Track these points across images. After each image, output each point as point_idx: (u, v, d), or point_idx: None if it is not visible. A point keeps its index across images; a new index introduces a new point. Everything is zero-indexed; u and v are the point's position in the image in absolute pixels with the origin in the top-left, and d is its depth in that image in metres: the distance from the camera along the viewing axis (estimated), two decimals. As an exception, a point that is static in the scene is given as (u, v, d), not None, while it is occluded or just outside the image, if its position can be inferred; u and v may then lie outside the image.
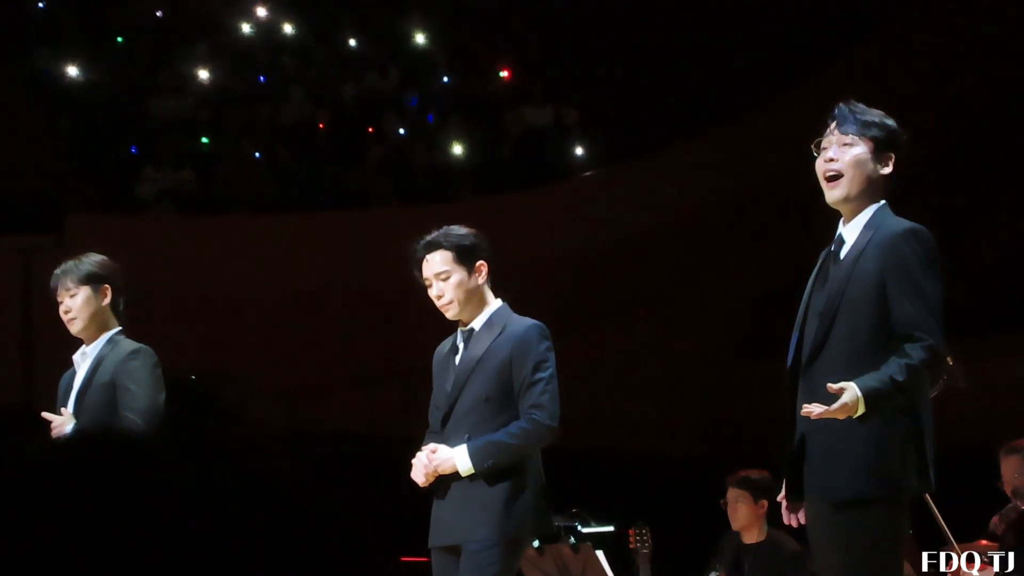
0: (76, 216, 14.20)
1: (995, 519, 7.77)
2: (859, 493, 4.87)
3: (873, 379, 4.81)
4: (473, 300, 5.91)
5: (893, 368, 4.83)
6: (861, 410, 4.79)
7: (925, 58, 17.26)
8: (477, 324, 5.92)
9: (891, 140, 5.13)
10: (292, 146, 17.26)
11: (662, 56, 17.97)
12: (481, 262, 5.92)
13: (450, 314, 5.93)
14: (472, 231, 6.02)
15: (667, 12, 18.14)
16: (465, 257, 5.91)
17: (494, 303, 5.96)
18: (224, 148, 17.23)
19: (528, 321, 5.91)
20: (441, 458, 5.75)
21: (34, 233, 13.82)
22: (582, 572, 7.92)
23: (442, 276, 5.89)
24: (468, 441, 5.75)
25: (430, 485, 5.82)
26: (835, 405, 4.78)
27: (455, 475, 5.75)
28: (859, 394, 4.78)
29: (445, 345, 6.05)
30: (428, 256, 5.94)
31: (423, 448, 5.84)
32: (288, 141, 17.32)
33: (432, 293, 5.94)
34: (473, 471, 5.71)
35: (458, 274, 5.89)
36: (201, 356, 13.83)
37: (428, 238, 5.98)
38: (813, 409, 4.80)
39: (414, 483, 5.82)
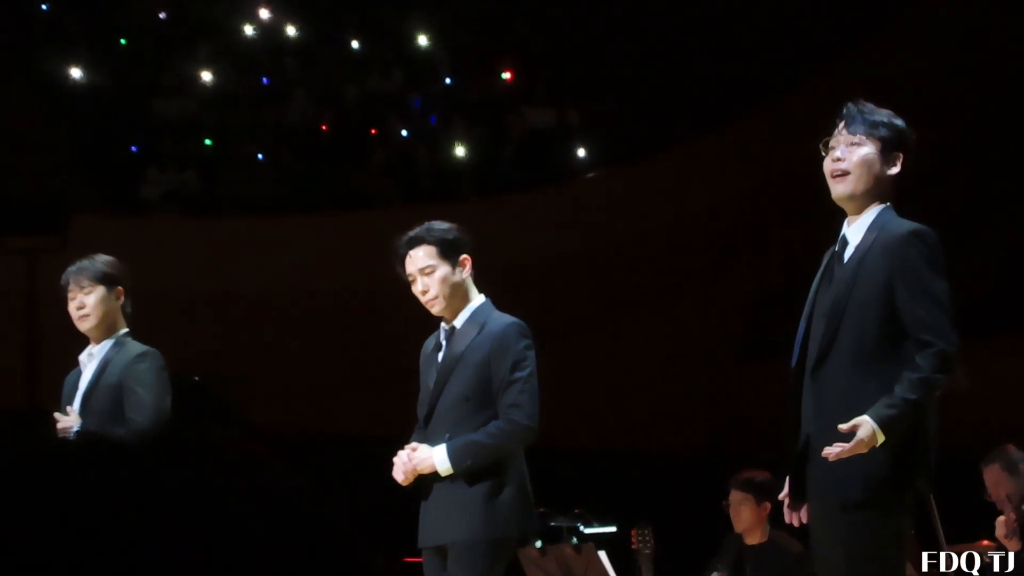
0: (80, 217, 14.22)
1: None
2: (866, 495, 4.88)
3: (885, 406, 4.81)
4: (458, 295, 5.83)
5: (904, 386, 4.83)
6: (881, 439, 4.80)
7: (926, 57, 17.26)
8: (459, 321, 5.84)
9: (899, 140, 5.12)
10: (295, 147, 17.28)
11: (664, 57, 17.98)
12: (465, 256, 5.85)
13: (435, 310, 5.85)
14: (454, 226, 5.93)
15: (669, 13, 18.15)
16: (449, 251, 5.83)
17: (477, 299, 5.88)
18: (227, 149, 17.26)
19: (507, 319, 5.82)
20: (420, 457, 5.71)
21: (38, 234, 13.84)
22: (584, 572, 7.93)
23: (426, 271, 5.82)
24: (449, 440, 5.70)
25: (412, 484, 5.80)
26: (852, 443, 4.77)
27: (436, 475, 5.71)
28: (875, 426, 4.79)
29: (430, 342, 5.99)
30: (411, 252, 5.85)
31: (405, 447, 5.80)
32: (291, 142, 17.34)
33: (416, 289, 5.85)
34: (451, 471, 5.67)
35: (443, 268, 5.81)
36: (204, 357, 13.84)
37: (411, 234, 5.90)
38: (832, 450, 4.81)
39: (396, 482, 5.80)
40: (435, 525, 5.76)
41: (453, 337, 5.84)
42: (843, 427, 4.79)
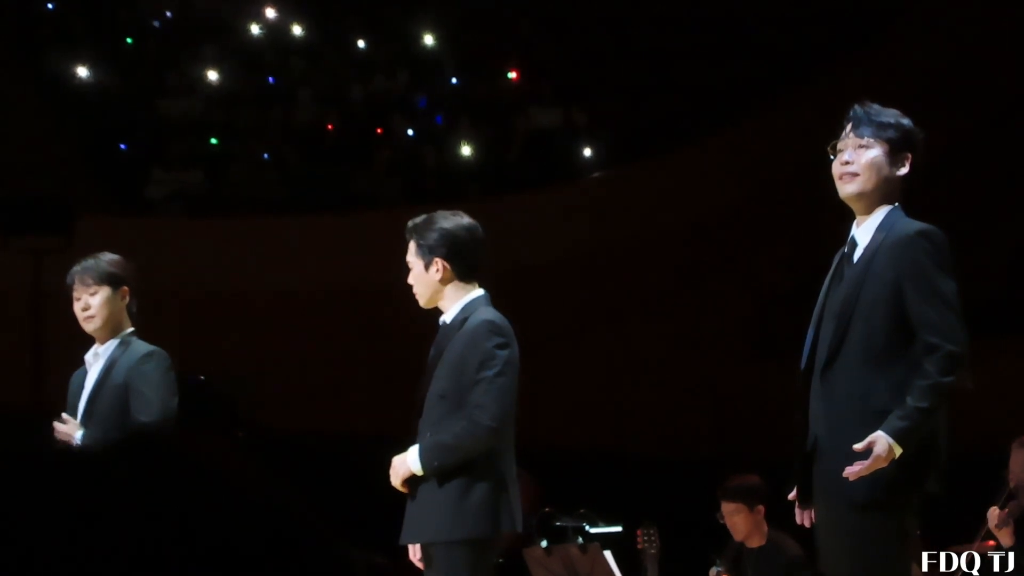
0: (86, 217, 14.23)
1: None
2: (873, 495, 4.88)
3: (897, 419, 4.81)
4: (436, 295, 5.78)
5: (915, 395, 4.83)
6: (898, 452, 4.81)
7: (931, 57, 17.26)
8: (449, 315, 5.78)
9: (907, 141, 5.12)
10: (301, 147, 17.30)
11: (671, 58, 17.99)
12: (438, 259, 5.73)
13: (420, 303, 5.84)
14: (448, 228, 5.76)
15: (675, 14, 18.15)
16: (424, 253, 5.75)
17: (471, 294, 5.78)
18: (233, 149, 17.27)
19: (484, 316, 5.68)
20: (395, 464, 5.71)
21: (44, 234, 13.85)
22: (590, 572, 7.93)
23: (409, 264, 5.82)
24: (428, 439, 5.66)
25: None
26: (870, 460, 4.78)
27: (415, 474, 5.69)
28: (890, 440, 4.79)
29: None
30: (408, 240, 5.87)
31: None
32: (297, 142, 17.36)
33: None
34: (423, 472, 5.63)
35: (417, 267, 5.78)
36: (209, 357, 13.85)
37: (411, 223, 5.87)
38: (852, 469, 4.81)
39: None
40: (411, 523, 5.75)
41: (442, 332, 5.80)
42: (858, 446, 4.79)
